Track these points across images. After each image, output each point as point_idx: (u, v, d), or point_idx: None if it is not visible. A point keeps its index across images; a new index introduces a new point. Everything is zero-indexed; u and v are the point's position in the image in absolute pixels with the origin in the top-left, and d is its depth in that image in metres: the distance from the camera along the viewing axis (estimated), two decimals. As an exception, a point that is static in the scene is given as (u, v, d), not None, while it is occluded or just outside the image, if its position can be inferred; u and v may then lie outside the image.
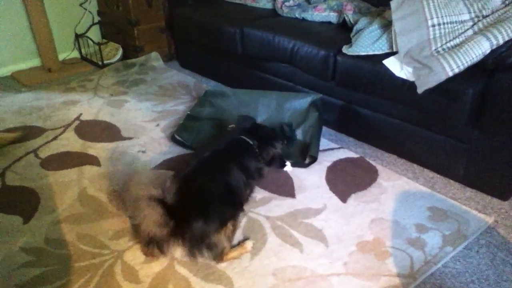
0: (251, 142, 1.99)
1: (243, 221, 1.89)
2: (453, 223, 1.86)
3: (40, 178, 2.20)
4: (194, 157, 2.00)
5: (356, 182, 2.15)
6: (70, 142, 2.54)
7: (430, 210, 1.94)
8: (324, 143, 2.48)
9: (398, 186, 2.11)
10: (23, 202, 2.03)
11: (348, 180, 2.16)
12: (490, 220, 1.88)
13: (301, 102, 2.57)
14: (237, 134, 2.04)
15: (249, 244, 1.73)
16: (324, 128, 2.58)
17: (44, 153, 2.43)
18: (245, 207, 1.95)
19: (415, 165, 2.28)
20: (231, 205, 1.69)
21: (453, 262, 1.67)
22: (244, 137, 2.00)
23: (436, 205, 1.98)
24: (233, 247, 1.70)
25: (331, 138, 2.55)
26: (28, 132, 2.65)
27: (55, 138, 2.59)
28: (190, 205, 1.58)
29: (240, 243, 1.74)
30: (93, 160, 2.36)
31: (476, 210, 1.95)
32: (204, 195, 1.64)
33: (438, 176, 2.20)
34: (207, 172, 1.74)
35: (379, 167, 2.26)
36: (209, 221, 1.56)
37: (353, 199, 2.03)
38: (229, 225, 1.65)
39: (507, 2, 2.09)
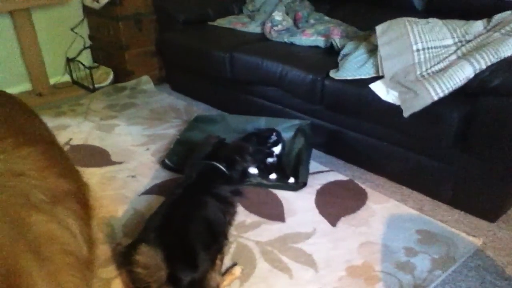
0: (219, 166, 1.94)
1: (232, 246, 1.88)
2: (442, 246, 1.87)
3: (28, 204, 2.18)
4: (167, 196, 1.87)
5: (346, 205, 2.16)
6: (59, 167, 2.53)
7: (419, 233, 1.95)
8: (313, 166, 2.49)
9: (387, 209, 2.12)
10: (11, 230, 2.01)
11: (337, 203, 2.17)
12: (478, 242, 1.89)
13: (289, 127, 2.60)
14: (202, 159, 1.98)
15: (238, 270, 1.72)
16: (314, 151, 2.59)
17: (32, 179, 2.41)
18: (232, 232, 1.95)
19: (403, 188, 2.30)
20: (215, 241, 1.63)
21: (442, 285, 1.67)
22: (211, 162, 1.96)
23: (425, 228, 1.99)
24: (222, 274, 1.69)
25: (320, 161, 2.56)
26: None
27: (44, 163, 2.57)
28: (175, 258, 1.46)
29: (229, 269, 1.73)
30: (82, 186, 2.34)
31: (464, 232, 1.96)
32: (186, 242, 1.54)
33: (427, 198, 2.21)
34: (183, 214, 1.64)
35: (368, 190, 2.27)
36: (199, 269, 1.48)
37: (342, 223, 2.03)
38: (218, 261, 1.60)
39: (488, 27, 2.15)
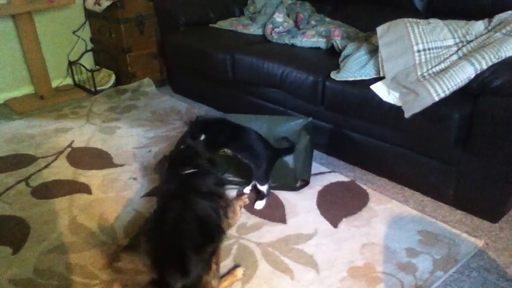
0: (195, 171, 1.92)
1: (233, 247, 1.89)
2: (444, 247, 1.86)
3: (31, 207, 2.19)
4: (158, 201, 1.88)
5: (347, 206, 2.16)
6: (62, 170, 2.54)
7: (421, 234, 1.95)
8: (315, 167, 2.49)
9: (388, 209, 2.12)
10: (13, 232, 2.02)
11: (339, 204, 2.17)
12: (480, 243, 1.89)
13: (292, 125, 2.58)
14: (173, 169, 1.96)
15: (239, 272, 1.72)
16: (315, 152, 2.59)
17: (35, 181, 2.42)
18: (233, 234, 1.95)
19: (405, 188, 2.30)
20: (209, 239, 1.60)
21: (443, 286, 1.67)
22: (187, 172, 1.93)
23: (426, 228, 1.98)
24: (223, 275, 1.69)
25: (322, 162, 2.56)
26: (20, 160, 2.65)
27: (46, 166, 2.58)
28: (163, 263, 1.45)
29: (231, 270, 1.73)
30: (84, 188, 2.35)
31: (466, 233, 1.95)
32: (175, 246, 1.52)
33: (428, 199, 2.21)
34: (173, 218, 1.63)
35: (369, 191, 2.27)
36: (190, 274, 1.46)
37: (344, 224, 2.03)
38: (213, 265, 1.57)
39: (489, 28, 2.14)
